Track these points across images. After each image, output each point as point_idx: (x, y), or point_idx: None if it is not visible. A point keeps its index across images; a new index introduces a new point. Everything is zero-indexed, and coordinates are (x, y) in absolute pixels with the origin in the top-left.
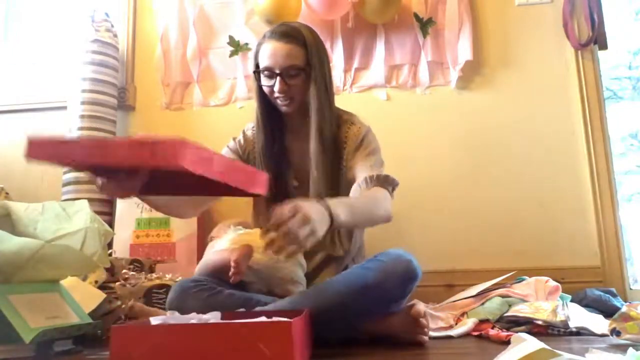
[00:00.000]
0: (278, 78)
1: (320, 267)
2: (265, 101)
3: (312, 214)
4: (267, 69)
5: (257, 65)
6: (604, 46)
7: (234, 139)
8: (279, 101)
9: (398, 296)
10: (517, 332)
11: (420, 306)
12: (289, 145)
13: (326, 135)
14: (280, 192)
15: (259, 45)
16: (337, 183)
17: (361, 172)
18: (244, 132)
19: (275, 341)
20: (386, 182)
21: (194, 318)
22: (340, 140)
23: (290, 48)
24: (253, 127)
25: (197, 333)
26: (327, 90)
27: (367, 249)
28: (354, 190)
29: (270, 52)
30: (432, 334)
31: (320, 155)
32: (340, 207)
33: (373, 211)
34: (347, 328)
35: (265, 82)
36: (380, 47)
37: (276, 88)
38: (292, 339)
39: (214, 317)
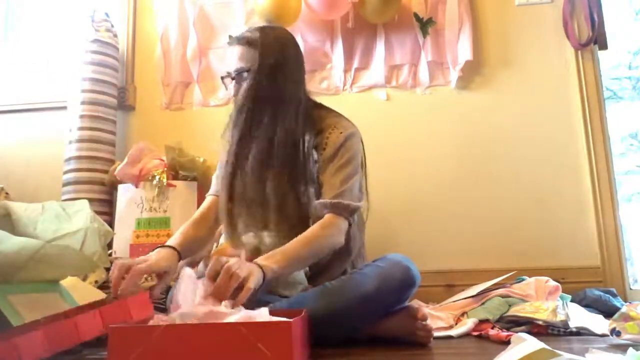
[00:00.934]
0: (233, 82)
1: (321, 268)
2: None
3: (241, 271)
4: (227, 73)
5: None
6: (604, 46)
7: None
8: None
9: (395, 302)
10: (517, 332)
11: (424, 308)
12: None
13: (276, 137)
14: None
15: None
16: (296, 193)
17: (326, 190)
18: None
19: (274, 341)
20: (342, 210)
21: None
22: (319, 147)
23: (240, 50)
24: None
25: (195, 333)
26: (270, 89)
27: (367, 249)
28: (312, 212)
29: (228, 56)
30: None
31: (260, 162)
32: (273, 262)
33: (317, 253)
34: (345, 331)
35: (229, 86)
36: (380, 47)
37: (231, 92)
38: (291, 339)
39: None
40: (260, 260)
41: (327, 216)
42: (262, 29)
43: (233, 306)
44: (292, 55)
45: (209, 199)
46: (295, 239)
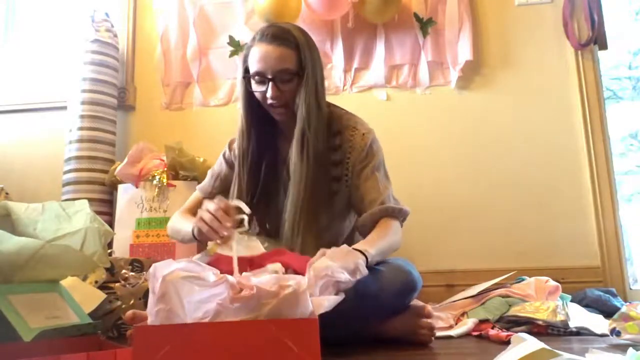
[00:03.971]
0: (270, 83)
1: None
2: (254, 108)
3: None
4: (258, 74)
5: (246, 70)
6: (604, 46)
7: (229, 146)
8: (272, 109)
9: (396, 306)
10: (517, 332)
11: (428, 306)
12: (284, 154)
13: (310, 143)
14: (272, 205)
15: (248, 48)
16: (323, 195)
17: (370, 194)
18: (231, 142)
19: (303, 338)
20: (399, 214)
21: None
22: (343, 148)
23: (282, 51)
24: None
25: (223, 330)
26: (317, 96)
27: None
28: (365, 218)
29: (260, 56)
30: None
31: (300, 166)
32: (372, 249)
33: (392, 247)
34: (345, 333)
35: (256, 87)
36: (380, 47)
37: (269, 94)
38: (318, 335)
39: None
40: (358, 246)
41: (384, 219)
42: (295, 29)
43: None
44: (319, 56)
45: (197, 195)
46: (373, 233)
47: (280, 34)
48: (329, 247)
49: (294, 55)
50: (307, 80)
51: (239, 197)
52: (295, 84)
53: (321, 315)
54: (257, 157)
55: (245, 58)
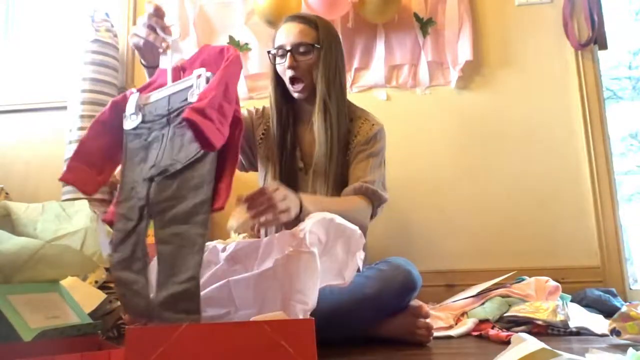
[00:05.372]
0: (288, 54)
1: None
2: (279, 88)
3: (290, 196)
4: (279, 47)
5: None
6: (604, 46)
7: (254, 107)
8: (292, 86)
9: (396, 306)
10: (517, 332)
11: (426, 306)
12: (299, 134)
13: (332, 113)
14: (287, 171)
15: (276, 31)
16: (341, 165)
17: (355, 175)
18: (264, 107)
19: (298, 339)
20: (373, 196)
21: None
22: (351, 133)
23: (302, 27)
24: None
25: (217, 332)
26: (336, 73)
27: (368, 249)
28: (343, 194)
29: (283, 32)
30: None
31: (325, 132)
32: (311, 202)
33: (345, 216)
34: (345, 332)
35: (278, 61)
36: (380, 47)
37: (286, 64)
38: (314, 336)
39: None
40: (304, 197)
41: (359, 196)
42: (319, 17)
43: (259, 226)
44: (341, 46)
45: None
46: (333, 197)
47: (304, 15)
48: None
49: (314, 32)
50: (325, 57)
51: (272, 173)
52: (312, 58)
53: (320, 316)
54: (281, 134)
55: (273, 39)
